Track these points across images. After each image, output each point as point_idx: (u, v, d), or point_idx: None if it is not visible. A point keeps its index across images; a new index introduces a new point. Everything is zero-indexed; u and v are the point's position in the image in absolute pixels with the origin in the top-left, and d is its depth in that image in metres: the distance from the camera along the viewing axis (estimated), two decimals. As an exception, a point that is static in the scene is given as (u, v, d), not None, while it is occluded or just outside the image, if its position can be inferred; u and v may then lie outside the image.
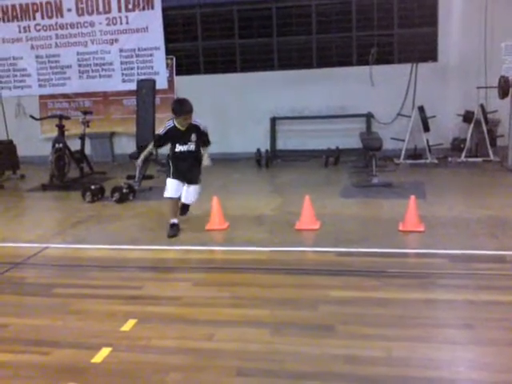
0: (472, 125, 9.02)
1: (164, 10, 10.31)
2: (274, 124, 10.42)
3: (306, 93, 10.16)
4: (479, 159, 8.99)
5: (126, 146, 10.55)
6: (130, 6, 10.39)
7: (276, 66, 10.61)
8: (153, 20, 10.37)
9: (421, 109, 9.29)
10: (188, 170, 5.73)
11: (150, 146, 6.11)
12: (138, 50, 10.57)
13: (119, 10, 10.44)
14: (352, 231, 5.59)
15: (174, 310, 3.91)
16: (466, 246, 4.92)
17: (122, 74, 10.71)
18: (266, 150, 10.01)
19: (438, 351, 3.18)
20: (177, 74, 10.79)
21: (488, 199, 6.61)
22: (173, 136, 5.66)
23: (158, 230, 5.88)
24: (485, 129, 8.91)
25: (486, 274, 4.33)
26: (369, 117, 9.93)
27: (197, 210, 6.21)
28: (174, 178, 5.68)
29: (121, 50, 10.62)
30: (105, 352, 3.33)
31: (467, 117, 9.21)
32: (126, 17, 10.45)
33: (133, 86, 9.61)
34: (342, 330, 3.47)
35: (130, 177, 8.06)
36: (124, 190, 7.36)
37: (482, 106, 9.08)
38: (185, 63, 10.95)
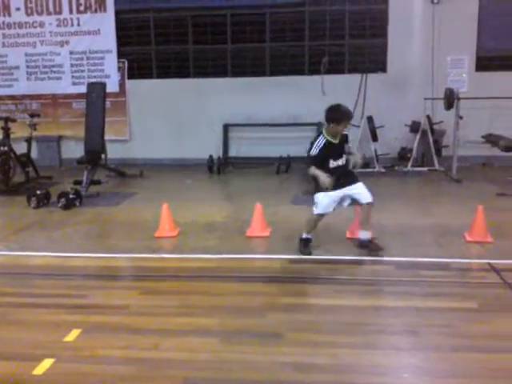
0: (418, 135, 9.28)
1: (117, 13, 10.17)
2: (226, 131, 10.42)
3: (259, 100, 10.21)
4: (425, 169, 9.25)
5: (74, 150, 10.28)
6: (82, 8, 10.20)
7: (229, 72, 10.62)
8: (105, 23, 10.21)
9: (369, 119, 9.50)
10: (344, 175, 5.11)
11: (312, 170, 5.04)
12: (89, 52, 10.38)
13: (70, 12, 10.22)
14: (302, 238, 5.62)
15: (120, 320, 3.82)
16: (412, 254, 5.04)
17: (72, 77, 10.48)
18: (219, 157, 9.99)
19: (383, 357, 3.24)
20: (129, 78, 10.65)
21: (433, 208, 6.81)
22: (327, 153, 5.01)
23: (105, 237, 5.77)
24: (431, 139, 9.18)
25: (431, 281, 4.45)
26: (320, 126, 10.06)
27: (146, 216, 6.13)
28: (332, 189, 4.96)
29: (71, 52, 10.40)
30: (47, 363, 3.23)
31: (414, 127, 9.47)
32: (78, 19, 10.24)
33: (83, 89, 9.41)
34: (290, 337, 3.48)
35: (77, 182, 7.88)
36: (70, 196, 7.17)
37: (428, 117, 9.36)
38: (137, 67, 10.80)
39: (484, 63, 9.84)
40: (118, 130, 10.58)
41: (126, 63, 10.61)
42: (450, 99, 8.53)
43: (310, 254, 5.16)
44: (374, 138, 9.46)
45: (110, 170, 9.21)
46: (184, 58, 10.71)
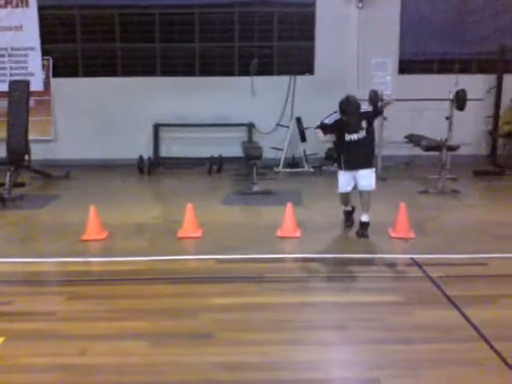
0: (345, 135, 9.54)
1: (40, 8, 9.79)
2: (157, 131, 10.29)
3: (190, 100, 10.16)
4: (352, 168, 9.53)
5: (-5, 151, 9.83)
6: (2, 2, 9.74)
7: (159, 72, 10.50)
8: (27, 18, 9.79)
9: (298, 120, 9.68)
10: (360, 156, 5.50)
11: (320, 134, 5.57)
12: (11, 49, 9.92)
13: (-12, 6, 9.75)
14: (233, 238, 5.67)
15: (47, 326, 3.71)
16: (339, 250, 5.21)
17: (-7, 75, 10.00)
18: (149, 157, 9.85)
19: (312, 353, 3.32)
20: (54, 76, 10.30)
21: (359, 206, 7.02)
22: (341, 126, 5.43)
23: (30, 241, 5.56)
24: (357, 139, 9.46)
25: (357, 276, 4.61)
26: (250, 126, 10.16)
27: (72, 219, 5.96)
28: (345, 169, 5.57)
29: (-9, 49, 9.92)
30: (-34, 374, 3.09)
31: (341, 128, 9.73)
32: (-3, 13, 9.79)
33: (4, 87, 8.99)
34: (221, 337, 3.50)
35: (-1, 184, 7.55)
36: (-8, 199, 6.87)
37: (354, 118, 9.64)
38: (63, 65, 10.47)
39: (406, 66, 10.29)
40: (42, 129, 10.21)
41: (51, 61, 10.26)
42: (375, 100, 8.82)
43: (349, 226, 5.83)
44: (303, 138, 9.66)
45: (34, 171, 8.86)
46: (111, 56, 10.49)
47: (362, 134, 5.48)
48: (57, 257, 5.15)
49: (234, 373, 3.09)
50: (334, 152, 5.70)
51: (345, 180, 5.64)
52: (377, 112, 5.97)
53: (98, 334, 3.57)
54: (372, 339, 3.47)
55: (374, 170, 5.70)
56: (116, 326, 3.70)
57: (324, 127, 5.55)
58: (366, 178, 5.55)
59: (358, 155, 5.51)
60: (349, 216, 5.97)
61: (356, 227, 5.78)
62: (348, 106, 5.35)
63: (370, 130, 5.54)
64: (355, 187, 5.68)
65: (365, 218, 5.65)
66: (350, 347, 3.42)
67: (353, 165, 5.56)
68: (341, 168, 5.67)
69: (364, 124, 5.46)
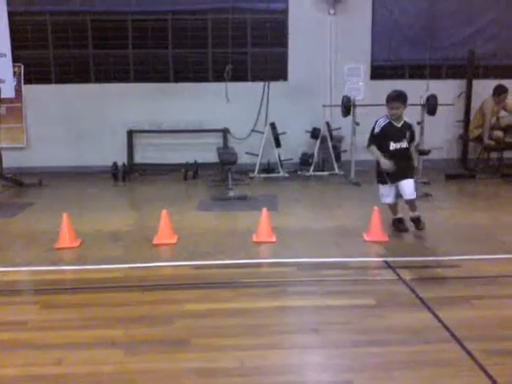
0: (319, 141, 9.64)
1: (10, 14, 9.66)
2: (130, 137, 10.24)
3: (164, 106, 10.15)
4: (326, 173, 9.64)
5: (-35, 159, 9.64)
6: (-30, 8, 9.59)
7: (132, 78, 10.46)
8: (-3, 25, 9.66)
9: (272, 125, 9.75)
10: (401, 167, 5.65)
11: (375, 150, 5.77)
12: (-19, 55, 9.78)
13: (-44, 12, 9.58)
14: (208, 244, 5.66)
15: (19, 336, 3.65)
16: (313, 255, 5.24)
17: (-39, 81, 9.82)
18: (123, 164, 9.79)
19: (287, 357, 3.34)
20: (25, 83, 10.18)
21: (334, 210, 7.11)
22: (388, 133, 5.64)
23: (2, 250, 5.47)
24: (330, 145, 9.57)
25: (331, 280, 4.65)
26: (225, 132, 10.18)
27: (45, 227, 5.88)
28: (384, 182, 5.79)
29: (-41, 55, 9.74)
30: None
31: (314, 133, 9.84)
32: (-35, 19, 9.62)
33: (-26, 95, 8.86)
34: (196, 343, 3.50)
35: (-31, 193, 7.43)
36: (-38, 208, 6.74)
37: (327, 124, 9.76)
38: (34, 72, 10.35)
39: (378, 72, 10.43)
40: (13, 137, 10.08)
41: (23, 68, 10.14)
42: (347, 106, 8.95)
43: (405, 230, 5.88)
44: (278, 143, 9.72)
45: (6, 179, 8.74)
46: (84, 62, 10.41)
47: (405, 144, 5.68)
48: (29, 266, 5.07)
49: (210, 379, 3.09)
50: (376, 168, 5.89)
51: (385, 191, 5.87)
52: (414, 136, 5.93)
53: (73, 343, 3.53)
54: (346, 342, 3.50)
55: (413, 180, 5.76)
56: (90, 334, 3.66)
57: (374, 138, 5.73)
58: (408, 186, 5.64)
59: (400, 166, 5.65)
60: (399, 223, 6.00)
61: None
62: (388, 95, 5.69)
63: (409, 146, 5.75)
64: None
65: (413, 214, 5.73)
66: (324, 350, 3.44)
67: (396, 177, 5.70)
68: (383, 183, 5.85)
69: (407, 135, 5.70)
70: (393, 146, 5.65)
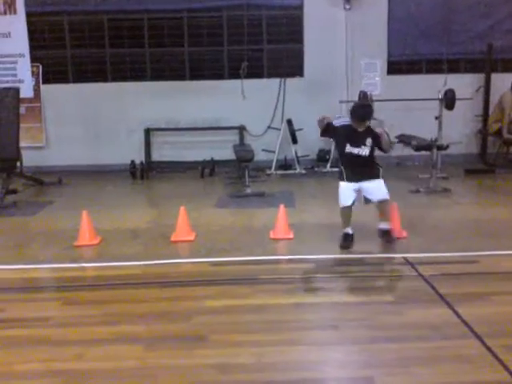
0: (336, 137, 9.58)
1: (28, 15, 9.77)
2: (148, 135, 10.29)
3: (181, 104, 10.18)
4: (343, 169, 9.58)
5: (-14, 158, 9.80)
6: (-9, 10, 9.72)
7: (148, 76, 10.51)
8: (16, 25, 9.74)
9: (289, 122, 9.72)
10: (362, 169, 5.17)
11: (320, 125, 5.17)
12: (0, 56, 9.90)
13: (-23, 14, 9.72)
14: (226, 240, 5.68)
15: (41, 332, 3.71)
16: (331, 251, 5.23)
17: (-18, 82, 9.97)
18: (141, 162, 9.85)
19: (306, 353, 3.35)
20: (43, 83, 10.29)
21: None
22: (346, 133, 5.14)
23: (23, 248, 5.56)
24: (348, 140, 9.51)
25: (349, 276, 4.64)
26: (241, 129, 10.18)
27: (65, 225, 5.96)
28: (346, 180, 5.18)
29: (-20, 57, 9.89)
30: (-40, 383, 3.09)
31: (332, 129, 9.78)
32: (-14, 21, 9.76)
33: (-6, 95, 8.98)
34: (214, 339, 3.52)
35: (-9, 192, 7.53)
36: (-16, 207, 6.85)
37: (345, 119, 9.70)
38: (52, 71, 10.46)
39: (394, 67, 10.35)
40: (33, 136, 10.19)
41: (41, 68, 10.25)
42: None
43: (346, 247, 5.23)
44: (294, 140, 9.69)
45: (26, 178, 8.86)
46: (101, 61, 10.48)
47: (365, 151, 5.13)
48: (50, 263, 5.15)
49: (228, 374, 3.11)
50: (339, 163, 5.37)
51: (346, 191, 5.24)
52: (379, 144, 5.19)
53: (93, 339, 3.58)
54: (365, 338, 3.50)
55: (381, 180, 5.26)
56: (111, 330, 3.71)
57: (328, 127, 5.18)
58: (377, 187, 5.19)
59: (359, 169, 5.19)
60: (347, 237, 5.35)
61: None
62: (358, 108, 5.28)
63: (371, 153, 5.19)
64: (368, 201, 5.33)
65: (384, 226, 5.33)
66: (343, 347, 3.45)
67: (358, 177, 5.20)
68: (342, 179, 5.28)
69: (369, 142, 5.11)
70: (349, 148, 5.13)
